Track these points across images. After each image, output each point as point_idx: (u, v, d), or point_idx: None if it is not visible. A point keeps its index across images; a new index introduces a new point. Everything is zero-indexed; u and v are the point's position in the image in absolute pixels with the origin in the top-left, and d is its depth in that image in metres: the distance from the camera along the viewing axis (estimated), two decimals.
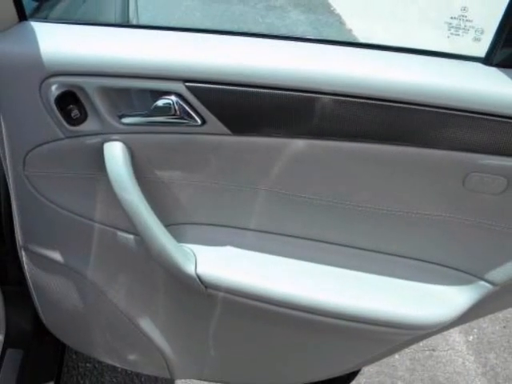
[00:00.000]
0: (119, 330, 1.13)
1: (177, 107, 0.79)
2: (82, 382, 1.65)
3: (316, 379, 1.19)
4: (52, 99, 0.80)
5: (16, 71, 0.78)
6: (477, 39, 0.87)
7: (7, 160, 0.88)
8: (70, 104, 0.81)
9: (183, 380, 1.69)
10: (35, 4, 1.03)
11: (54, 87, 0.79)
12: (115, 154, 0.84)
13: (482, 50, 0.79)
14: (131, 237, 0.95)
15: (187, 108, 0.80)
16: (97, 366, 1.69)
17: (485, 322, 2.02)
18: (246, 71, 0.77)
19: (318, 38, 0.83)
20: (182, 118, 0.81)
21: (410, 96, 0.75)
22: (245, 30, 0.87)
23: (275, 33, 0.87)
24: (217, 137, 0.83)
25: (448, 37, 0.88)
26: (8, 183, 0.92)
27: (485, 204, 0.84)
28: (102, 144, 0.84)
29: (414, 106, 0.76)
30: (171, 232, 0.92)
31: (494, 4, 0.85)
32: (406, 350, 1.84)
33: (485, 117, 0.75)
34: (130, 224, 0.88)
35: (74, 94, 0.80)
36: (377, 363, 1.69)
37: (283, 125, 0.81)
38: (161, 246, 0.89)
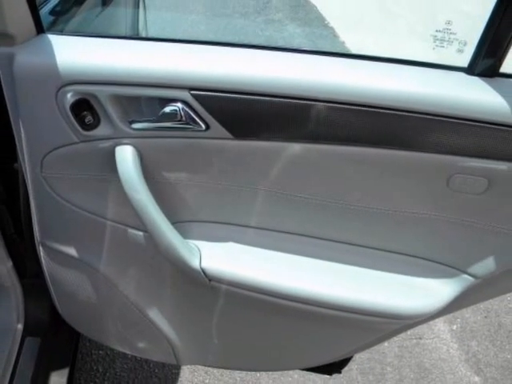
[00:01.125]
0: (129, 320, 1.13)
1: (183, 113, 0.79)
2: (95, 367, 1.65)
3: (312, 365, 1.19)
4: (67, 106, 0.80)
5: (34, 80, 0.78)
6: (460, 51, 0.87)
7: (26, 163, 0.88)
8: (84, 110, 0.81)
9: (189, 366, 1.69)
10: (52, 18, 1.03)
11: (69, 95, 0.79)
12: (126, 156, 0.84)
13: (464, 60, 0.79)
14: (140, 233, 0.95)
15: (192, 114, 0.79)
16: (109, 352, 1.69)
17: (467, 313, 2.02)
18: (247, 80, 0.77)
19: (314, 49, 0.83)
20: (187, 124, 0.81)
21: (398, 103, 0.75)
22: (245, 42, 0.86)
23: (273, 45, 0.87)
24: (220, 141, 0.83)
25: (433, 48, 0.88)
26: (27, 184, 0.92)
27: (467, 203, 0.84)
28: (114, 148, 0.84)
29: (402, 113, 0.76)
30: (177, 229, 0.92)
31: (476, 18, 0.85)
32: (395, 338, 1.84)
33: (467, 122, 0.75)
34: (140, 222, 0.88)
35: (88, 101, 0.80)
36: (367, 350, 1.69)
37: (281, 130, 0.80)
38: (168, 242, 0.89)
